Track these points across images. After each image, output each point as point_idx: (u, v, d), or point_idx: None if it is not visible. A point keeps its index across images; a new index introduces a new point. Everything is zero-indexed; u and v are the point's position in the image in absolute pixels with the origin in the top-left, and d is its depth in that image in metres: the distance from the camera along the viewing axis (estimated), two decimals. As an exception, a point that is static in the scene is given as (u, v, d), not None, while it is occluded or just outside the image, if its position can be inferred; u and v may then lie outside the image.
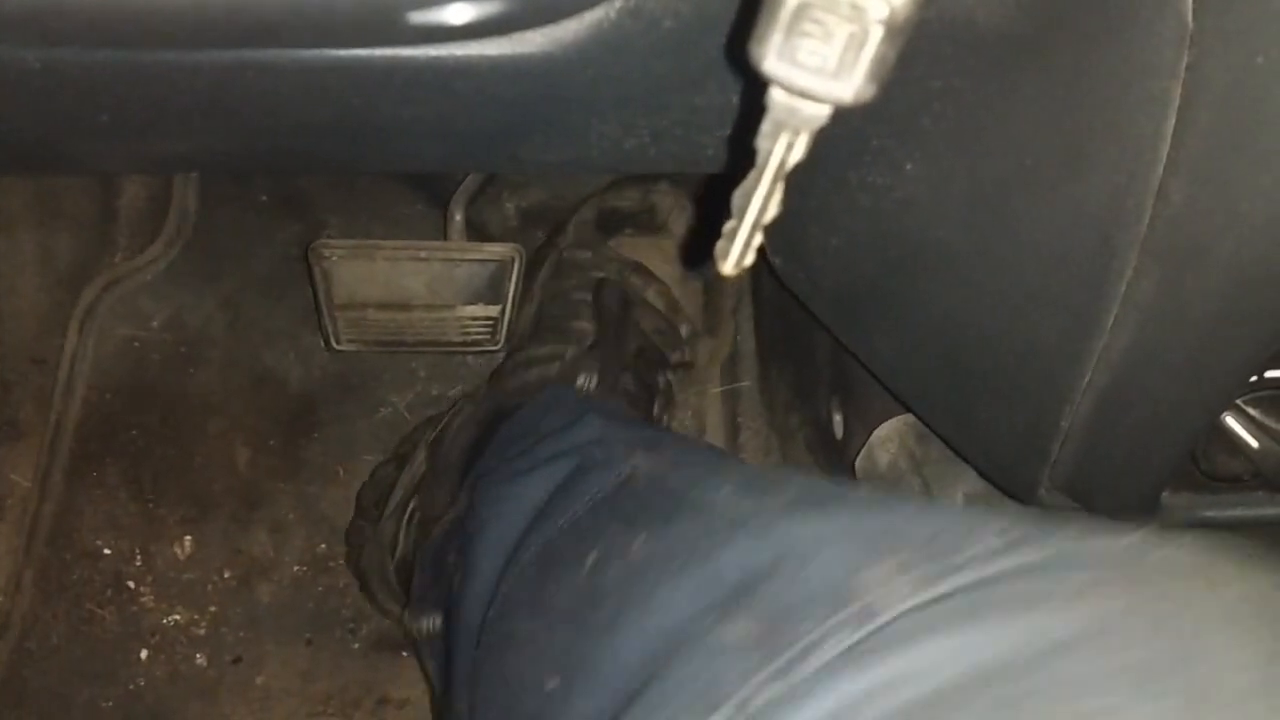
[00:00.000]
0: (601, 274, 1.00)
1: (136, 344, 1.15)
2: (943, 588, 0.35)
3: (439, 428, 0.99)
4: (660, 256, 1.04)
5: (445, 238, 1.06)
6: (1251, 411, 0.57)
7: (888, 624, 0.35)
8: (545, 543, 0.64)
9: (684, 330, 1.04)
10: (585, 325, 0.96)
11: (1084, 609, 0.33)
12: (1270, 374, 0.56)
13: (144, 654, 1.04)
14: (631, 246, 1.03)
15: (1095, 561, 0.35)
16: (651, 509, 0.57)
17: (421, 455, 1.00)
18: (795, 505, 0.47)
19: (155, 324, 1.16)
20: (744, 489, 0.52)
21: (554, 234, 1.07)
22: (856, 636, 0.35)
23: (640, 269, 1.01)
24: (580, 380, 0.91)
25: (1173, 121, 0.45)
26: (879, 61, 0.33)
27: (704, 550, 0.47)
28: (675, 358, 1.02)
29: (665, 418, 1.02)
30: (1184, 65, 0.44)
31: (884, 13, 0.32)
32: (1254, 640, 0.33)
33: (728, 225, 0.39)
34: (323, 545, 1.11)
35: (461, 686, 0.70)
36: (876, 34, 0.32)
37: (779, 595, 0.40)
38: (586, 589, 0.54)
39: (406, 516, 0.97)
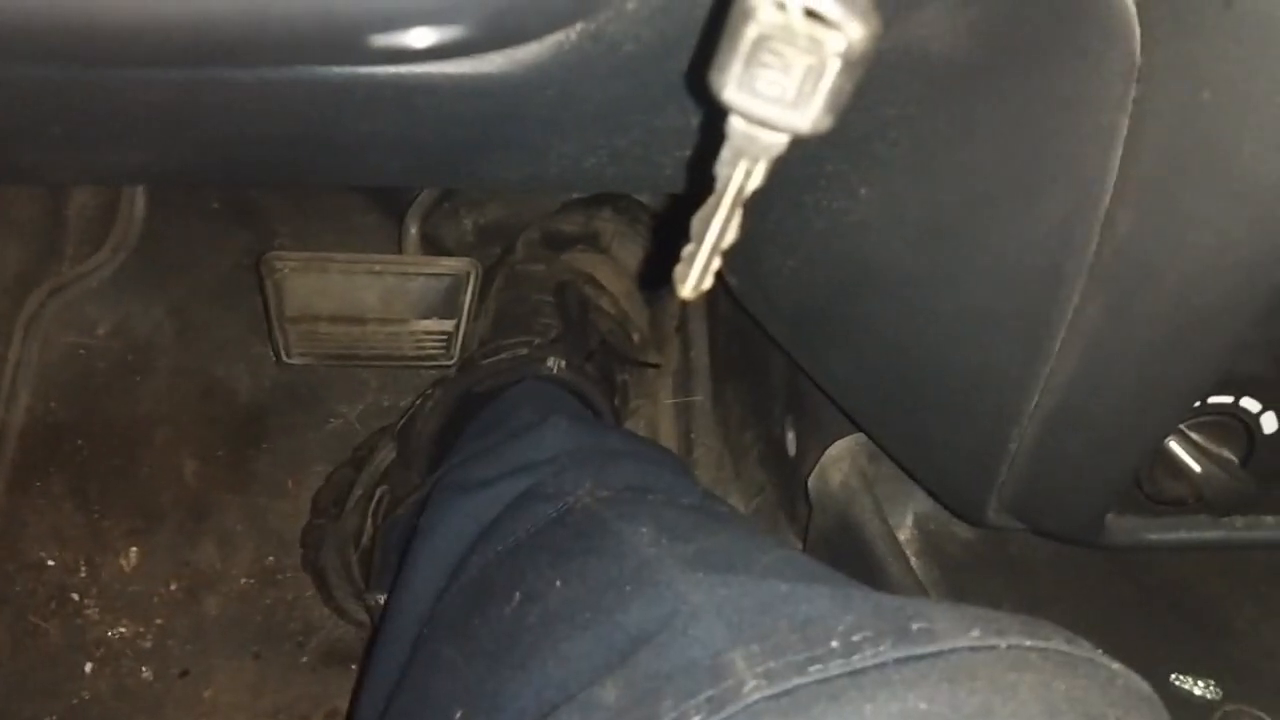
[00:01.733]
0: (561, 279, 1.02)
1: (82, 352, 1.14)
2: (786, 684, 0.39)
3: (408, 414, 1.00)
4: (610, 271, 1.05)
5: (400, 250, 1.06)
6: (1195, 436, 0.58)
7: (734, 714, 0.39)
8: (483, 566, 0.66)
9: (635, 337, 1.06)
10: (548, 321, 0.98)
11: (898, 709, 0.37)
12: (1213, 400, 0.57)
13: (89, 667, 1.02)
14: (581, 261, 1.05)
15: (919, 665, 0.39)
16: (578, 542, 0.60)
17: (383, 451, 1.00)
18: (694, 563, 0.51)
19: (102, 332, 1.15)
20: (659, 532, 0.56)
21: (505, 252, 1.08)
22: None
23: (592, 280, 1.03)
24: (549, 362, 0.92)
25: (1120, 153, 0.46)
26: (836, 93, 0.33)
27: (608, 605, 0.50)
28: (630, 361, 1.05)
29: (623, 414, 1.04)
30: (1131, 98, 0.45)
31: (841, 46, 0.32)
32: None
33: (687, 249, 0.40)
34: (271, 557, 1.10)
35: (380, 686, 0.72)
36: (834, 66, 0.33)
37: (653, 664, 0.44)
38: (507, 629, 0.57)
39: (373, 505, 0.98)
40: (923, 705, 0.37)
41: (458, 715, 0.55)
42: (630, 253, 1.09)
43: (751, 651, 0.41)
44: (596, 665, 0.47)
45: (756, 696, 0.39)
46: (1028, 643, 0.41)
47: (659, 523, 0.58)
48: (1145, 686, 0.42)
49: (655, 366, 1.10)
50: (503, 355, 0.95)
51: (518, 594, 0.58)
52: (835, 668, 0.39)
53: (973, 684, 0.38)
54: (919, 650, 0.40)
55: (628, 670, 0.45)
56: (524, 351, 0.95)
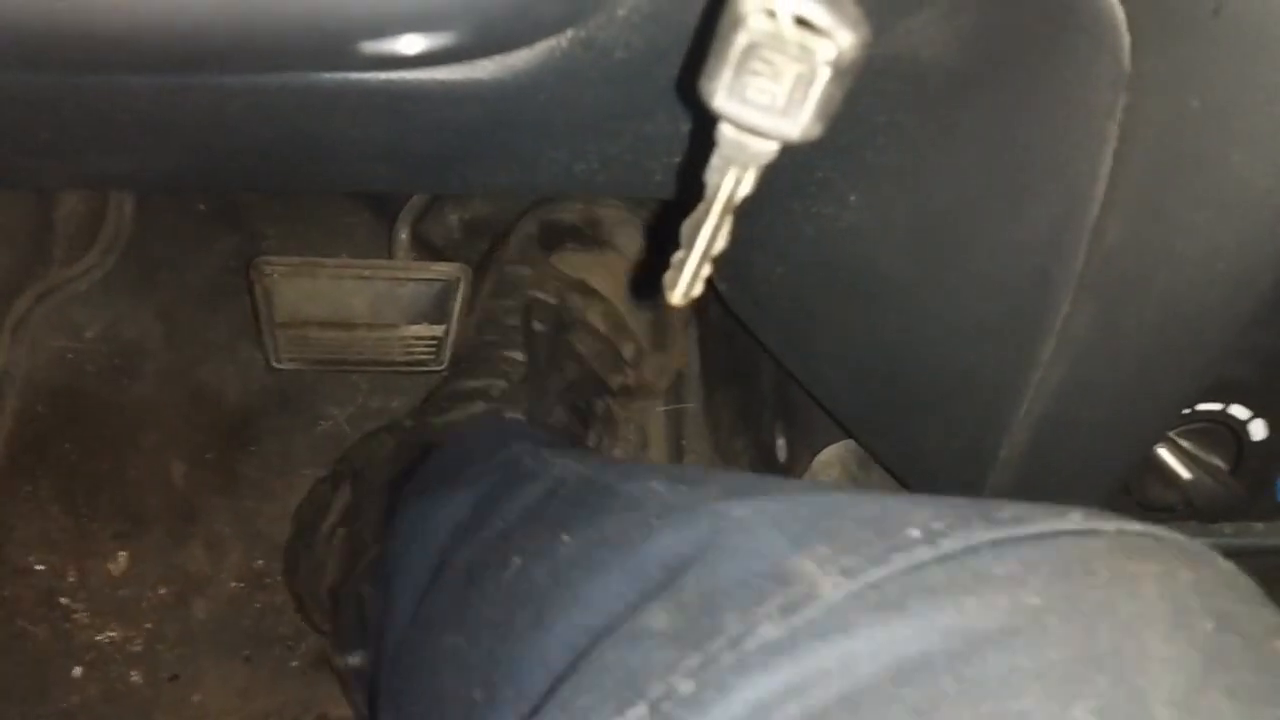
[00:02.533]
0: (537, 293, 0.98)
1: (70, 355, 1.13)
2: (869, 578, 0.35)
3: (363, 461, 0.98)
4: (606, 272, 1.02)
5: (390, 254, 1.06)
6: (1183, 443, 0.58)
7: (810, 618, 0.34)
8: (470, 556, 0.62)
9: (627, 351, 1.02)
10: (515, 355, 0.94)
11: (1007, 603, 0.33)
12: (1202, 407, 0.57)
13: (78, 672, 1.02)
14: (574, 263, 1.02)
15: (1022, 552, 0.34)
16: (581, 507, 0.55)
17: (346, 488, 0.98)
18: (724, 494, 0.45)
19: (89, 335, 1.14)
20: (674, 481, 0.50)
21: (495, 247, 1.05)
22: (779, 632, 0.34)
23: (582, 287, 1.00)
24: (507, 417, 0.90)
25: (1109, 161, 0.46)
26: (826, 100, 0.33)
27: (631, 541, 0.45)
28: (616, 381, 1.00)
29: (605, 443, 1.00)
30: (1121, 106, 0.45)
31: (832, 54, 0.32)
32: (1177, 644, 0.32)
33: (676, 256, 0.40)
34: (260, 561, 1.09)
35: (386, 712, 0.69)
36: (824, 74, 0.33)
37: (705, 582, 0.39)
38: (511, 594, 0.52)
39: (336, 544, 0.96)
40: (1034, 600, 0.33)
41: (478, 695, 0.50)
42: (633, 240, 1.04)
43: (820, 553, 0.36)
44: (631, 599, 0.42)
45: (837, 595, 0.34)
46: (1137, 528, 0.36)
47: (669, 475, 0.52)
48: (1258, 588, 0.36)
49: (630, 394, 1.06)
50: (454, 414, 0.92)
51: (516, 561, 0.54)
52: (922, 554, 0.35)
53: (1088, 578, 0.33)
54: (1016, 532, 0.35)
55: (674, 594, 0.40)
56: (479, 408, 0.91)
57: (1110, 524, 0.36)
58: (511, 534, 0.60)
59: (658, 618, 0.39)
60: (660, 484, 0.51)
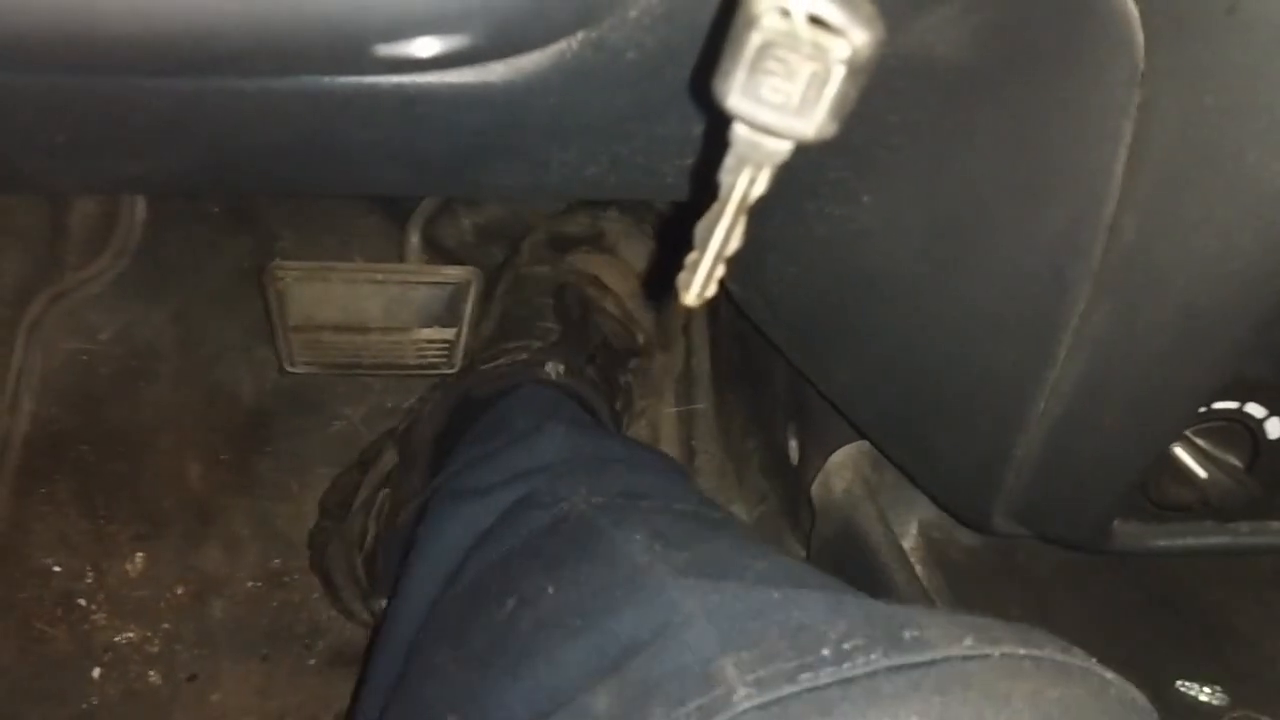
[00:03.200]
0: (562, 281, 1.01)
1: (85, 358, 1.13)
2: (777, 693, 0.39)
3: (409, 421, 1.00)
4: (615, 272, 1.05)
5: (402, 257, 1.06)
6: (1200, 442, 0.58)
7: None
8: (478, 573, 0.66)
9: (640, 338, 1.06)
10: (549, 325, 0.98)
11: None
12: (1218, 405, 0.57)
13: (96, 673, 1.02)
14: (586, 262, 1.05)
15: (911, 675, 0.39)
16: (572, 549, 0.60)
17: (387, 455, 1.00)
18: (687, 570, 0.50)
19: (104, 337, 1.15)
20: (653, 538, 0.56)
21: (510, 254, 1.08)
22: None
23: (596, 281, 1.03)
24: (548, 367, 0.92)
25: (1125, 158, 0.46)
26: (841, 99, 0.33)
27: (600, 611, 0.50)
28: (633, 362, 1.04)
29: (626, 418, 1.03)
30: (1136, 104, 0.44)
31: (846, 52, 0.32)
32: None
33: (690, 257, 0.40)
34: (277, 560, 1.10)
35: (377, 693, 0.72)
36: (839, 73, 0.32)
37: (644, 671, 0.44)
38: (500, 634, 0.56)
39: (376, 509, 0.98)
40: (914, 718, 0.37)
41: None
42: (636, 252, 1.09)
43: (742, 659, 0.41)
44: (589, 672, 0.47)
45: (746, 705, 0.39)
46: (1021, 651, 0.40)
47: (652, 529, 0.57)
48: (1140, 696, 0.42)
49: (647, 365, 1.09)
50: (501, 361, 0.95)
51: (511, 600, 0.58)
52: (826, 676, 0.39)
53: (965, 694, 0.38)
54: (911, 659, 0.39)
55: (619, 678, 0.45)
56: (523, 356, 0.95)
57: (1000, 648, 0.40)
58: (512, 562, 0.64)
59: (601, 700, 0.44)
60: (641, 538, 0.56)
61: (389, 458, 1.00)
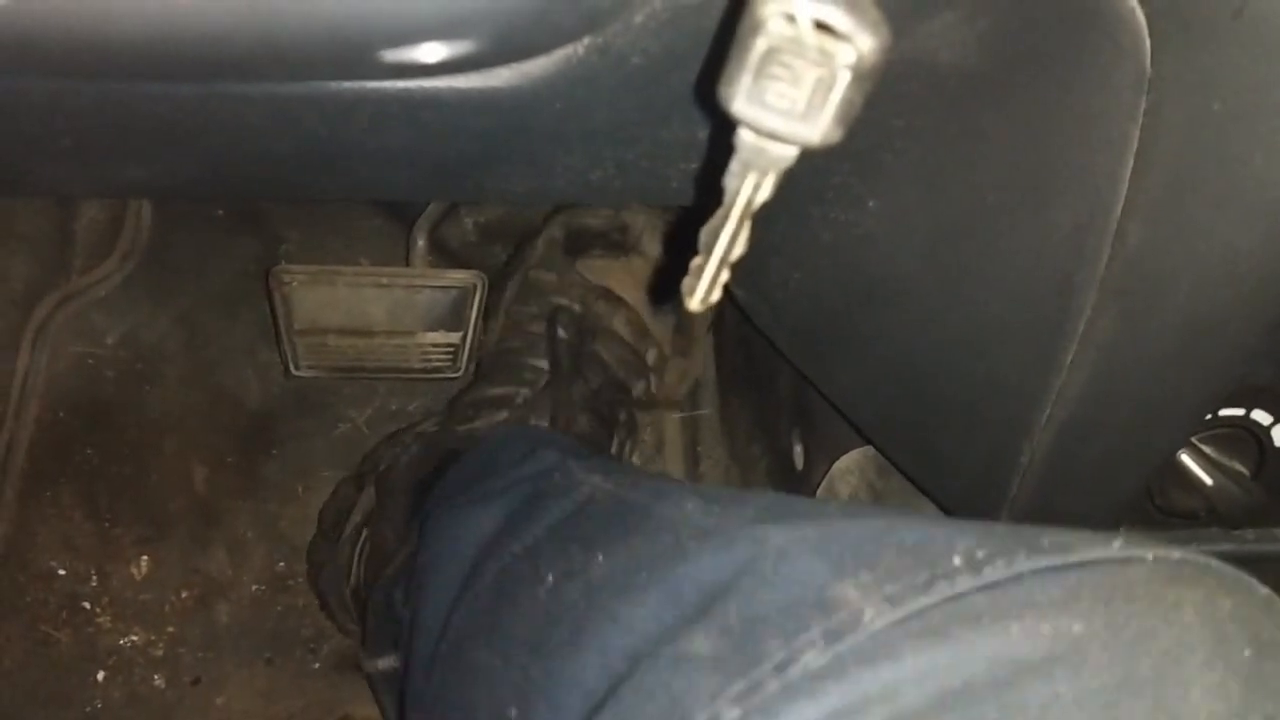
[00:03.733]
0: (562, 300, 0.98)
1: (91, 361, 1.13)
2: (910, 606, 0.35)
3: (387, 463, 0.98)
4: (630, 278, 1.02)
5: (407, 260, 1.06)
6: (1206, 449, 0.58)
7: (854, 645, 0.34)
8: (500, 570, 0.62)
9: (651, 356, 1.02)
10: (539, 363, 0.94)
11: (1050, 630, 0.33)
12: (1224, 412, 0.57)
13: (101, 676, 1.02)
14: (599, 269, 1.02)
15: (1064, 580, 0.35)
16: (612, 527, 0.55)
17: (367, 493, 0.98)
18: (761, 518, 0.45)
19: (110, 341, 1.15)
20: (708, 504, 0.50)
21: (521, 250, 1.04)
22: (823, 659, 0.35)
23: (607, 294, 1.00)
24: (531, 424, 0.90)
25: (1131, 164, 0.46)
26: (846, 105, 0.33)
27: (668, 564, 0.45)
28: (639, 389, 1.01)
29: (628, 448, 1.00)
30: (1142, 109, 0.44)
31: (851, 58, 0.32)
32: (1216, 671, 0.32)
33: (695, 262, 0.40)
34: (282, 564, 1.10)
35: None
36: (844, 78, 0.32)
37: (747, 609, 0.39)
38: (544, 611, 0.52)
39: (360, 545, 0.96)
40: (1077, 627, 0.33)
41: (511, 715, 0.50)
42: (661, 245, 1.04)
43: (862, 580, 0.36)
44: (670, 623, 0.42)
45: (881, 623, 0.34)
46: (1176, 555, 0.36)
47: (702, 496, 0.52)
48: None
49: (651, 405, 1.06)
50: (478, 422, 0.92)
51: (550, 578, 0.54)
52: (964, 583, 0.35)
53: (1130, 605, 0.33)
54: (1059, 560, 0.35)
55: (715, 619, 0.40)
56: (503, 416, 0.91)
57: (1150, 551, 0.36)
58: (540, 550, 0.59)
59: (699, 643, 0.39)
60: (693, 505, 0.50)
61: (369, 496, 0.98)
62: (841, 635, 0.35)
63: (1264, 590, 0.36)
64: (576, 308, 0.98)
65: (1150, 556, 0.35)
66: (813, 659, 0.35)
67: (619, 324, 0.99)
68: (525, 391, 0.93)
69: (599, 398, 0.96)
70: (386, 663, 0.85)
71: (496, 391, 0.94)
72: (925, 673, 0.33)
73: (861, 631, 0.34)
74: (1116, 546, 0.36)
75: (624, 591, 0.46)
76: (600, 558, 0.51)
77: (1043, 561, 0.35)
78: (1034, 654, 0.33)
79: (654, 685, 0.40)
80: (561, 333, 0.95)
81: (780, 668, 0.35)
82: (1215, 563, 0.36)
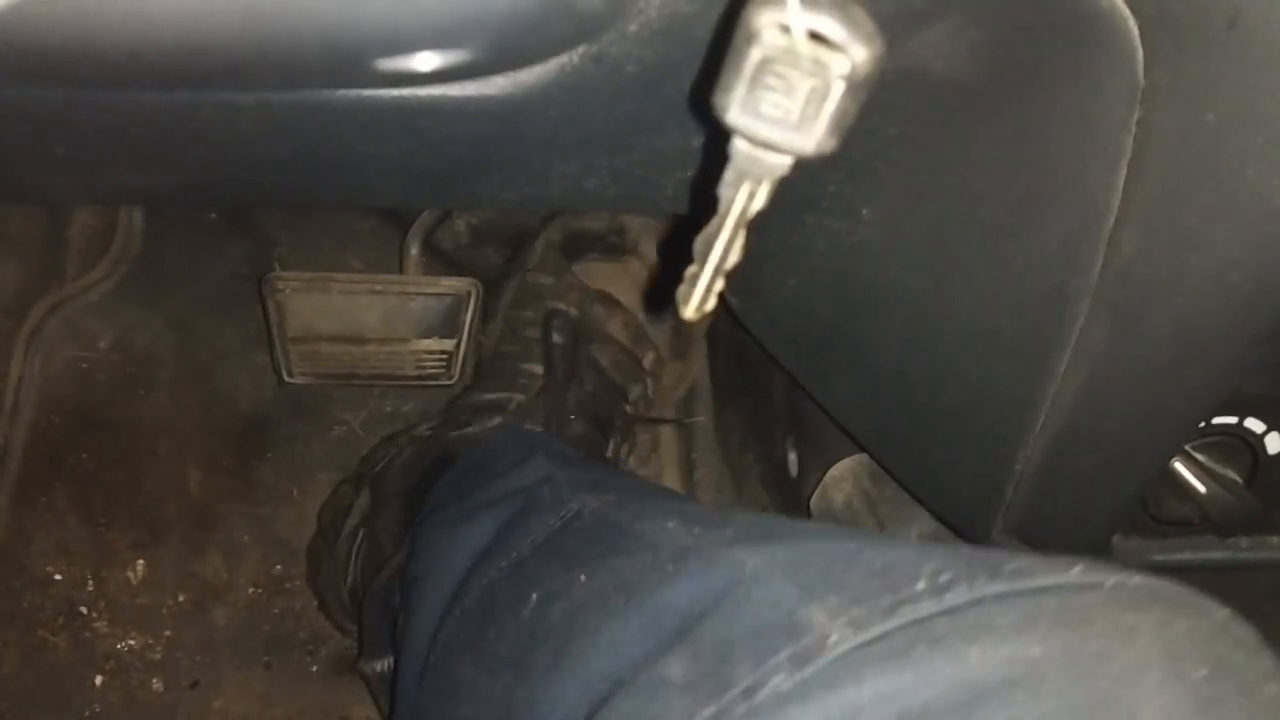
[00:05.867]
0: (558, 304, 0.98)
1: (84, 365, 1.13)
2: (874, 630, 0.36)
3: (381, 464, 0.98)
4: (628, 281, 1.02)
5: (401, 268, 1.06)
6: (1200, 457, 0.58)
7: (819, 668, 0.35)
8: (487, 584, 0.63)
9: (648, 360, 1.02)
10: (534, 368, 0.95)
11: (1008, 654, 0.34)
12: (1218, 420, 0.57)
13: (99, 680, 1.02)
14: (597, 272, 1.02)
15: (1024, 605, 0.35)
16: (595, 546, 0.56)
17: (363, 497, 0.98)
18: (738, 540, 0.46)
19: (103, 345, 1.14)
20: (688, 523, 0.52)
21: (519, 253, 1.05)
22: (789, 683, 0.36)
23: (604, 298, 1.00)
24: (526, 428, 0.90)
25: (1124, 174, 0.46)
26: (840, 115, 0.33)
27: (648, 587, 0.46)
28: (635, 392, 1.00)
29: (624, 451, 1.01)
30: (1135, 120, 0.45)
31: (846, 69, 0.32)
32: (1171, 691, 0.33)
33: (689, 270, 0.40)
34: (278, 566, 1.09)
35: None
36: (838, 89, 0.32)
37: (720, 632, 0.40)
38: (528, 632, 0.54)
39: (356, 546, 0.96)
40: (1035, 651, 0.34)
41: None
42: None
43: (829, 604, 0.37)
44: (648, 647, 0.43)
45: (845, 646, 0.35)
46: (1134, 581, 0.37)
47: (684, 516, 0.53)
48: (1253, 633, 0.37)
49: (646, 412, 1.06)
50: (472, 428, 0.92)
51: (534, 598, 0.55)
52: (927, 607, 0.36)
53: (1088, 628, 0.34)
54: (1019, 586, 0.36)
55: (689, 645, 0.41)
56: (497, 422, 0.91)
57: (1110, 577, 0.37)
58: (524, 567, 0.61)
59: (674, 668, 0.40)
60: (675, 524, 0.52)
61: (364, 499, 0.99)
62: (808, 659, 0.36)
63: (1222, 612, 0.37)
64: (572, 312, 0.97)
65: (1109, 583, 0.37)
66: (780, 682, 0.36)
67: (615, 328, 0.99)
68: (519, 397, 0.93)
69: (595, 401, 0.96)
70: (383, 665, 0.85)
71: (491, 396, 0.94)
72: (887, 695, 0.34)
73: (827, 655, 0.36)
74: (1076, 572, 0.37)
75: (605, 615, 0.47)
76: (582, 578, 0.52)
77: (1003, 586, 0.36)
78: (993, 677, 0.33)
79: (631, 710, 0.41)
80: (556, 338, 0.95)
81: (748, 692, 0.36)
82: (1173, 586, 0.37)
